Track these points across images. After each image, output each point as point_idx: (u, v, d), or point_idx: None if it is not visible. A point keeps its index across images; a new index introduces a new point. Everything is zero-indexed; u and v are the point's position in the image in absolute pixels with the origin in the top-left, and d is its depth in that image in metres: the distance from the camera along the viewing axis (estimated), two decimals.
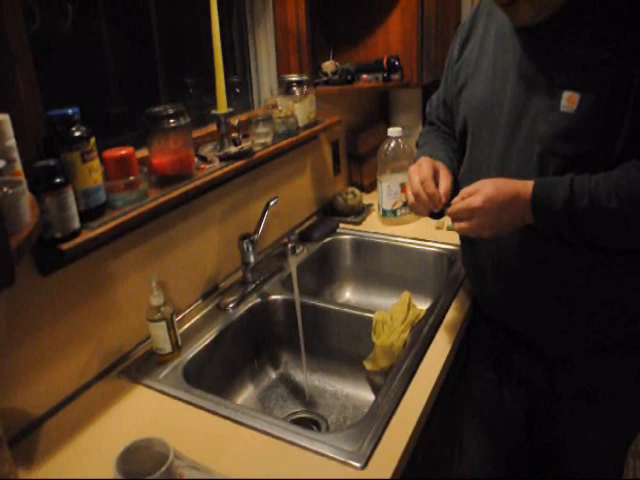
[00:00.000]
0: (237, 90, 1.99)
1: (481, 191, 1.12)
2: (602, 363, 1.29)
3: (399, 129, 2.07)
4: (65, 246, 1.09)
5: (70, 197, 1.11)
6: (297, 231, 2.03)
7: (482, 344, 1.51)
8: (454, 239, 1.86)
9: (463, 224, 1.15)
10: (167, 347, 1.33)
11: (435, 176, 1.27)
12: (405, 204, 2.05)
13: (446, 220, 2.02)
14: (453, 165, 1.38)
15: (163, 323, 1.31)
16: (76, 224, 1.13)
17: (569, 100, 1.08)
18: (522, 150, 1.18)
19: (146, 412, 1.20)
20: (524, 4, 1.11)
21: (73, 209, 1.12)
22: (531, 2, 1.10)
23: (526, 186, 1.10)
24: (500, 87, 1.23)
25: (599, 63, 1.05)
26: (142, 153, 1.41)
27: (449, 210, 1.18)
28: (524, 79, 1.17)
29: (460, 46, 1.40)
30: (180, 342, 1.37)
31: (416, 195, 1.25)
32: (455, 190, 1.25)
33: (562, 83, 1.10)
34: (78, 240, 1.12)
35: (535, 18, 1.13)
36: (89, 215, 1.17)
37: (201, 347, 1.41)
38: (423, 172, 1.27)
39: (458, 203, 1.16)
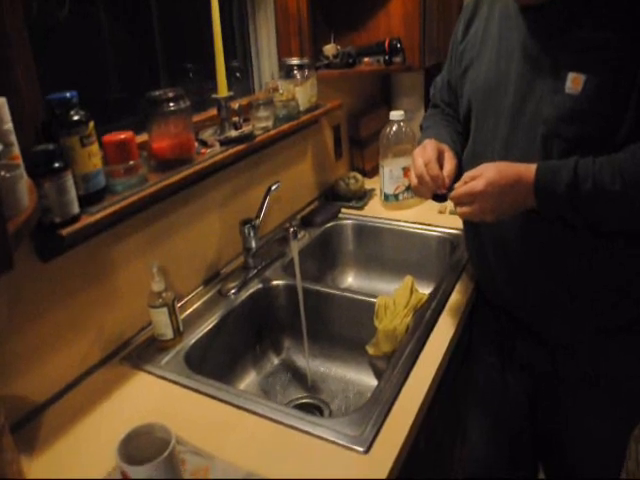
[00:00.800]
0: (238, 75, 1.97)
1: (484, 175, 1.11)
2: (604, 347, 1.28)
3: (401, 112, 2.05)
4: (65, 231, 1.08)
5: (69, 181, 1.09)
6: (299, 216, 2.02)
7: (485, 329, 1.50)
8: (456, 223, 1.84)
9: (465, 208, 1.14)
10: (169, 333, 1.33)
11: (439, 158, 1.26)
12: (407, 188, 2.04)
13: (448, 204, 2.01)
14: (457, 147, 1.36)
15: (164, 309, 1.30)
16: (75, 209, 1.12)
17: (574, 81, 1.07)
18: (526, 132, 1.17)
19: (148, 398, 1.20)
20: None
21: (72, 194, 1.11)
22: None
23: (529, 170, 1.09)
24: (505, 68, 1.22)
25: (604, 44, 1.04)
26: (142, 138, 1.39)
27: (452, 194, 1.17)
28: (529, 60, 1.16)
29: (464, 27, 1.38)
30: (182, 328, 1.36)
31: (420, 177, 1.24)
32: (459, 173, 1.24)
33: (567, 64, 1.09)
34: (78, 225, 1.11)
35: None
36: (88, 200, 1.16)
37: (203, 333, 1.41)
38: (427, 154, 1.25)
39: (461, 187, 1.15)
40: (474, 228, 1.37)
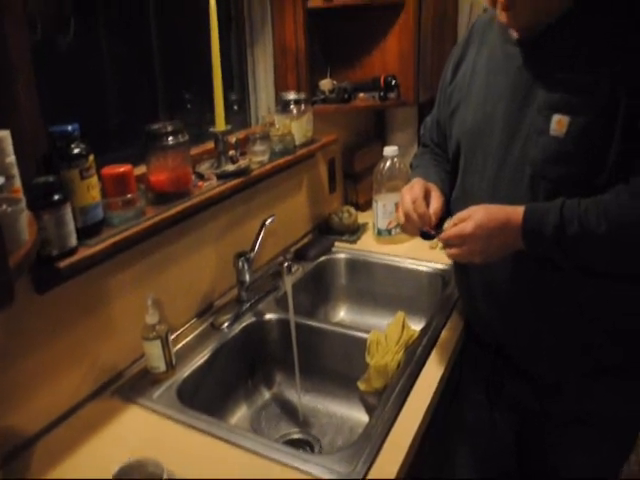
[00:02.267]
0: (235, 107, 2.00)
1: (472, 217, 1.13)
2: (592, 387, 1.29)
3: (395, 148, 2.08)
4: (62, 264, 1.09)
5: (68, 214, 1.11)
6: (292, 249, 2.03)
7: (474, 366, 1.51)
8: (448, 259, 1.86)
9: (454, 250, 1.17)
10: (161, 366, 1.33)
11: (427, 197, 1.29)
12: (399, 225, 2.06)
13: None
14: (445, 187, 1.39)
15: (158, 342, 1.31)
16: (73, 241, 1.13)
17: (558, 123, 1.10)
18: (513, 173, 1.19)
19: (140, 432, 1.19)
20: (521, 6, 1.11)
21: (71, 226, 1.12)
22: (527, 7, 1.11)
23: (517, 212, 1.11)
24: (491, 110, 1.25)
25: (588, 87, 1.07)
26: (140, 170, 1.41)
27: (441, 236, 1.19)
28: (515, 102, 1.19)
29: (453, 69, 1.42)
30: (174, 361, 1.36)
31: (407, 214, 1.27)
32: (446, 211, 1.27)
33: (551, 106, 1.12)
34: (75, 258, 1.12)
35: (531, 24, 1.15)
36: (86, 232, 1.18)
37: (195, 366, 1.41)
38: (414, 192, 1.29)
39: (450, 229, 1.17)
40: (463, 268, 1.39)
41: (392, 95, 2.13)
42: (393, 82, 2.11)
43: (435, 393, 1.29)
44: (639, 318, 1.24)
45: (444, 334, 1.51)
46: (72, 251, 1.12)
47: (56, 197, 1.08)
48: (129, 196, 1.26)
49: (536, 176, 1.15)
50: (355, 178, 2.41)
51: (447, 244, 1.19)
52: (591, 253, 1.10)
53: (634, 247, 1.08)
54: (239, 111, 2.00)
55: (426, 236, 1.32)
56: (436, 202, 1.29)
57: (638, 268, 1.16)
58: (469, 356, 1.53)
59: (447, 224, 1.20)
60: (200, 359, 1.43)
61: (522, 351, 1.35)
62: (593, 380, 1.29)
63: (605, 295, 1.18)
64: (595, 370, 1.28)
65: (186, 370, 1.38)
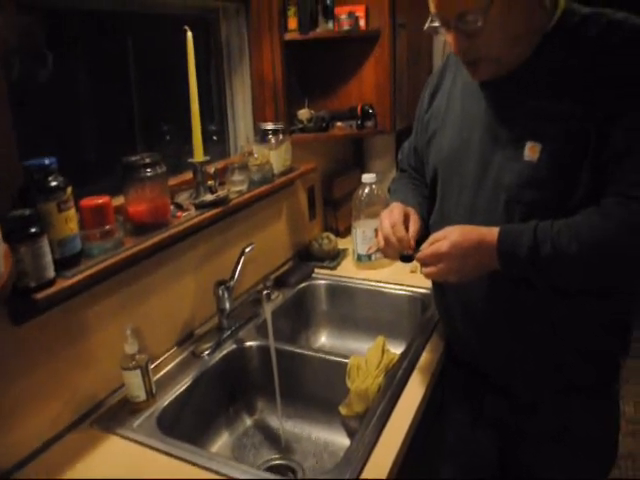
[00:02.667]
0: (215, 138, 2.02)
1: (448, 237, 1.17)
2: (566, 405, 1.31)
3: (373, 175, 2.11)
4: (39, 295, 1.10)
5: (45, 246, 1.12)
6: (273, 276, 2.04)
7: (455, 386, 1.52)
8: (427, 283, 1.86)
9: (430, 269, 1.20)
10: (141, 395, 1.33)
11: (405, 221, 1.32)
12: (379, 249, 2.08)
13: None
14: (423, 211, 1.42)
15: (137, 371, 1.31)
16: (51, 273, 1.13)
17: (531, 150, 1.14)
18: (489, 198, 1.23)
19: (119, 463, 1.19)
20: (485, 64, 1.18)
21: (48, 258, 1.12)
22: (491, 62, 1.17)
23: (491, 233, 1.14)
24: (467, 138, 1.28)
25: (559, 114, 1.11)
26: (119, 200, 1.42)
27: (418, 255, 1.23)
28: (489, 130, 1.23)
29: (429, 97, 1.46)
30: (154, 390, 1.37)
31: (386, 238, 1.30)
32: (424, 235, 1.30)
33: (524, 134, 1.15)
34: (52, 289, 1.12)
35: (496, 75, 1.20)
36: (64, 264, 1.18)
37: (175, 395, 1.41)
38: (393, 217, 1.32)
39: (426, 249, 1.20)
40: (441, 288, 1.41)
41: (369, 124, 2.17)
42: (370, 111, 2.16)
43: (415, 415, 1.31)
44: (608, 339, 1.27)
45: (424, 356, 1.52)
46: (50, 283, 1.13)
47: (33, 230, 1.09)
48: (107, 227, 1.27)
49: (511, 201, 1.18)
50: (335, 205, 2.44)
51: (423, 263, 1.22)
52: (564, 273, 1.13)
53: (604, 267, 1.11)
54: (218, 141, 2.03)
55: (405, 259, 1.35)
56: (414, 225, 1.32)
57: (608, 287, 1.20)
58: (450, 376, 1.54)
59: (424, 245, 1.23)
60: (181, 387, 1.44)
61: (498, 370, 1.36)
62: (567, 398, 1.31)
63: (577, 315, 1.21)
64: (568, 389, 1.30)
65: (167, 399, 1.39)
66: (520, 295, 1.22)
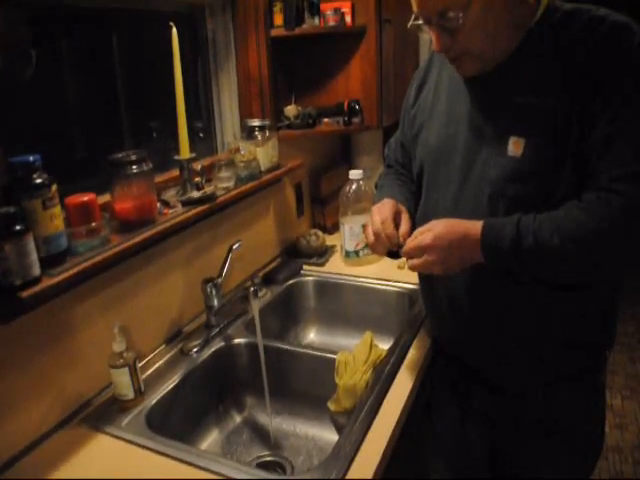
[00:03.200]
0: (201, 135, 2.02)
1: (432, 230, 1.18)
2: (556, 395, 1.33)
3: (360, 172, 2.11)
4: (25, 294, 1.09)
5: (30, 244, 1.11)
6: (261, 273, 2.04)
7: (443, 380, 1.53)
8: (415, 278, 1.88)
9: (415, 261, 1.21)
10: (129, 393, 1.32)
11: (396, 218, 1.33)
12: (367, 245, 2.08)
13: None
14: (410, 206, 1.43)
15: (125, 369, 1.31)
16: (36, 271, 1.12)
17: (515, 145, 1.15)
18: (474, 192, 1.24)
19: (108, 461, 1.19)
20: (468, 60, 1.19)
21: (33, 256, 1.12)
22: (474, 58, 1.18)
23: (475, 226, 1.16)
24: (453, 132, 1.29)
25: (542, 110, 1.12)
26: (105, 198, 1.42)
27: (403, 249, 1.24)
28: (474, 125, 1.24)
29: (416, 92, 1.47)
30: (143, 388, 1.36)
31: (376, 234, 1.31)
32: (412, 231, 1.30)
33: (508, 129, 1.17)
34: (38, 287, 1.11)
35: (480, 70, 1.21)
36: (50, 262, 1.17)
37: (164, 393, 1.41)
38: (384, 213, 1.33)
39: (411, 242, 1.22)
40: (428, 282, 1.42)
41: (356, 120, 2.17)
42: (357, 107, 2.15)
43: (403, 410, 1.31)
44: (593, 330, 1.29)
45: (412, 352, 1.53)
46: (35, 281, 1.12)
47: (17, 227, 1.08)
48: (93, 224, 1.27)
49: (495, 194, 1.19)
50: (322, 201, 2.44)
51: (408, 256, 1.23)
52: (546, 265, 1.15)
53: (585, 260, 1.12)
54: (205, 138, 2.03)
55: (393, 255, 1.35)
56: (405, 224, 1.33)
57: (588, 280, 1.22)
58: (438, 370, 1.55)
59: (409, 238, 1.24)
60: (169, 385, 1.43)
61: (485, 363, 1.37)
62: (553, 390, 1.32)
63: (561, 306, 1.23)
64: (555, 380, 1.32)
65: (155, 397, 1.38)
66: (505, 288, 1.24)
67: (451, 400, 1.50)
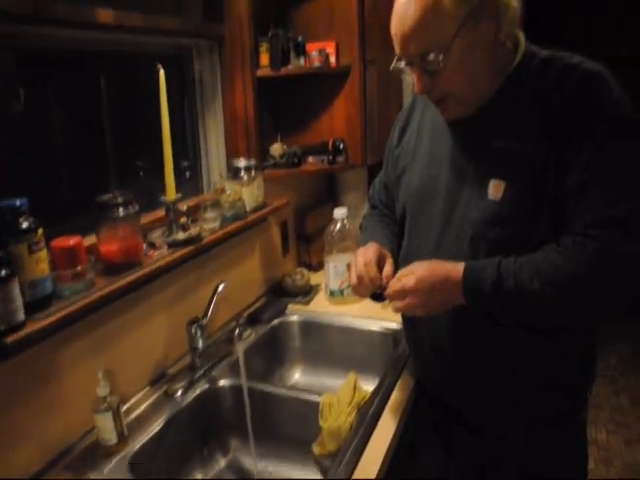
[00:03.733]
0: (187, 174, 2.03)
1: (415, 272, 1.20)
2: (536, 437, 1.33)
3: (344, 211, 2.13)
4: (9, 339, 1.09)
5: (15, 290, 1.11)
6: (246, 313, 2.04)
7: (426, 421, 1.53)
8: (399, 318, 1.89)
9: (398, 303, 1.23)
10: (113, 438, 1.31)
11: (380, 261, 1.34)
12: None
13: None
14: (393, 248, 1.45)
15: (109, 414, 1.30)
16: (21, 316, 1.12)
17: (495, 188, 1.18)
18: (455, 234, 1.26)
19: None
20: (451, 103, 1.22)
21: (18, 301, 1.12)
22: (456, 101, 1.21)
23: (457, 268, 1.18)
24: (435, 175, 1.32)
25: (521, 154, 1.15)
26: (91, 239, 1.42)
27: (386, 292, 1.25)
28: (456, 168, 1.27)
29: (399, 133, 1.50)
30: (126, 432, 1.35)
31: (359, 277, 1.32)
32: (395, 273, 1.32)
33: (489, 172, 1.20)
34: (23, 332, 1.11)
35: (461, 114, 1.24)
36: (35, 306, 1.17)
37: (148, 437, 1.40)
38: (368, 255, 1.34)
39: (394, 284, 1.23)
40: (412, 323, 1.44)
41: (340, 158, 2.20)
42: (341, 146, 2.19)
43: (387, 452, 1.31)
44: (572, 372, 1.31)
45: (395, 393, 1.53)
46: (20, 326, 1.12)
47: (3, 273, 1.08)
48: (79, 268, 1.27)
49: (476, 237, 1.22)
50: (308, 239, 2.46)
51: (392, 298, 1.24)
52: (526, 308, 1.17)
53: (564, 304, 1.14)
54: (192, 177, 2.04)
55: (376, 298, 1.37)
56: (389, 267, 1.34)
57: (566, 323, 1.24)
58: (421, 411, 1.55)
59: (392, 280, 1.26)
60: (153, 429, 1.42)
61: (467, 404, 1.38)
62: (534, 432, 1.33)
63: (540, 349, 1.24)
64: (536, 422, 1.33)
65: (139, 441, 1.37)
66: (486, 329, 1.25)
67: (434, 441, 1.50)
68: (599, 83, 1.12)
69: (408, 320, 1.46)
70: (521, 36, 1.23)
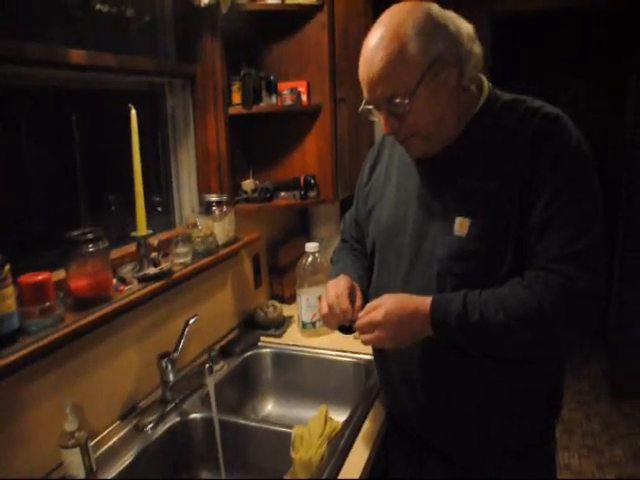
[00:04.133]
0: (159, 209, 2.05)
1: (383, 305, 1.23)
2: (504, 468, 1.35)
3: (316, 244, 2.16)
4: None
5: None
6: (218, 346, 2.04)
7: (397, 451, 1.55)
8: (371, 349, 1.92)
9: (367, 336, 1.25)
10: (81, 474, 1.30)
11: (350, 294, 1.37)
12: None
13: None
14: (362, 283, 1.48)
15: (77, 449, 1.29)
16: None
17: (460, 225, 1.22)
18: (423, 270, 1.30)
19: None
20: (416, 141, 1.27)
21: None
22: (422, 139, 1.26)
23: (424, 302, 1.21)
24: (403, 213, 1.36)
25: (485, 192, 1.20)
26: (60, 274, 1.43)
27: (356, 324, 1.28)
28: (423, 205, 1.31)
29: (369, 171, 1.54)
30: (95, 467, 1.34)
31: (330, 307, 1.35)
32: (364, 306, 1.34)
33: (454, 210, 1.24)
34: None
35: (427, 153, 1.29)
36: (0, 342, 1.17)
37: (117, 472, 1.39)
38: (339, 287, 1.38)
39: (363, 317, 1.26)
40: (382, 356, 1.46)
41: (312, 193, 2.24)
42: (312, 182, 2.22)
43: None
44: (538, 403, 1.33)
45: (366, 425, 1.54)
46: None
47: None
48: (47, 304, 1.27)
49: (443, 272, 1.26)
50: (280, 272, 2.48)
51: (360, 331, 1.27)
52: (491, 340, 1.20)
53: (527, 336, 1.17)
54: (163, 212, 2.06)
55: (345, 330, 1.39)
56: (359, 300, 1.37)
57: (531, 356, 1.26)
58: (393, 442, 1.57)
59: (361, 313, 1.28)
60: (123, 464, 1.41)
61: (436, 434, 1.40)
62: (502, 462, 1.35)
63: (507, 381, 1.27)
64: (503, 452, 1.35)
65: (107, 476, 1.36)
66: (454, 363, 1.28)
67: (406, 471, 1.51)
68: (559, 127, 1.19)
69: (378, 353, 1.49)
70: (484, 80, 1.29)
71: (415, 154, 1.32)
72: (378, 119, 1.29)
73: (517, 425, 1.31)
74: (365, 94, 1.25)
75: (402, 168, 1.41)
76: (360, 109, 1.31)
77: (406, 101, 1.19)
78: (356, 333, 1.96)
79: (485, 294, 1.18)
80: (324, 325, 1.44)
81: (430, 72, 1.17)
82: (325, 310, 1.37)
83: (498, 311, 1.15)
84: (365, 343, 1.28)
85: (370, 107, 1.27)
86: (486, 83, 1.30)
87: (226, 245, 1.95)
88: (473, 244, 1.21)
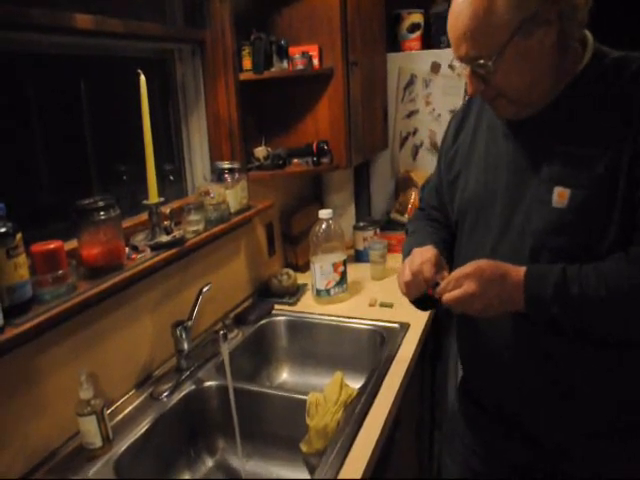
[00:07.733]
0: (171, 177, 2.03)
1: (474, 262, 1.14)
2: (603, 451, 1.23)
3: (329, 211, 2.14)
4: None
5: None
6: (232, 314, 2.04)
7: (472, 428, 1.45)
8: (387, 316, 1.91)
9: (454, 292, 1.14)
10: (97, 441, 1.31)
11: (436, 264, 1.25)
12: (338, 283, 2.11)
13: (378, 297, 2.08)
14: (445, 256, 1.35)
15: (93, 417, 1.29)
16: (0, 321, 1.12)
17: (560, 195, 1.12)
18: (514, 243, 1.20)
19: None
20: (504, 102, 1.16)
21: None
22: (510, 102, 1.16)
23: (517, 269, 1.12)
24: (492, 179, 1.26)
25: (588, 160, 1.10)
26: (72, 244, 1.42)
27: (441, 285, 1.18)
28: (516, 173, 1.21)
29: (454, 133, 1.43)
30: (111, 435, 1.35)
31: (414, 275, 1.23)
32: None
33: (553, 178, 1.14)
34: (2, 338, 1.11)
35: (516, 114, 1.19)
36: (14, 311, 1.17)
37: (133, 439, 1.39)
38: (426, 256, 1.26)
39: (450, 277, 1.17)
40: (466, 333, 1.37)
41: (325, 160, 2.21)
42: (325, 147, 2.19)
43: (374, 449, 1.32)
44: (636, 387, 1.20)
45: (383, 391, 1.54)
46: None
47: None
48: (60, 272, 1.27)
49: (537, 247, 1.16)
50: (294, 240, 2.46)
51: (446, 289, 1.16)
52: (590, 316, 1.10)
53: (631, 313, 1.08)
54: (175, 180, 2.04)
55: (421, 304, 1.33)
56: (446, 272, 1.24)
57: (630, 336, 1.14)
58: (467, 418, 1.47)
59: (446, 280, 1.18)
60: (139, 431, 1.42)
61: (527, 416, 1.29)
62: (604, 444, 1.23)
63: (608, 361, 1.16)
64: (604, 433, 1.23)
65: (124, 444, 1.37)
66: (548, 341, 1.18)
67: (478, 449, 1.42)
68: None
69: (463, 326, 1.39)
70: (588, 35, 1.17)
71: (504, 115, 1.21)
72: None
73: (618, 406, 1.20)
74: (453, 50, 1.15)
75: (491, 132, 1.29)
76: (457, 64, 1.18)
77: (490, 63, 1.09)
78: (372, 298, 1.96)
79: (586, 267, 1.08)
80: (403, 293, 1.30)
81: (521, 31, 1.05)
82: (408, 277, 1.24)
83: (600, 285, 1.05)
84: (450, 300, 1.14)
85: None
86: (591, 38, 1.16)
87: (239, 213, 1.94)
88: (574, 217, 1.10)
